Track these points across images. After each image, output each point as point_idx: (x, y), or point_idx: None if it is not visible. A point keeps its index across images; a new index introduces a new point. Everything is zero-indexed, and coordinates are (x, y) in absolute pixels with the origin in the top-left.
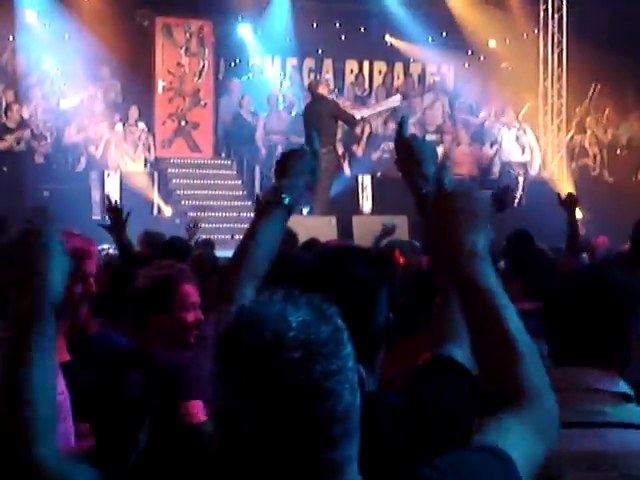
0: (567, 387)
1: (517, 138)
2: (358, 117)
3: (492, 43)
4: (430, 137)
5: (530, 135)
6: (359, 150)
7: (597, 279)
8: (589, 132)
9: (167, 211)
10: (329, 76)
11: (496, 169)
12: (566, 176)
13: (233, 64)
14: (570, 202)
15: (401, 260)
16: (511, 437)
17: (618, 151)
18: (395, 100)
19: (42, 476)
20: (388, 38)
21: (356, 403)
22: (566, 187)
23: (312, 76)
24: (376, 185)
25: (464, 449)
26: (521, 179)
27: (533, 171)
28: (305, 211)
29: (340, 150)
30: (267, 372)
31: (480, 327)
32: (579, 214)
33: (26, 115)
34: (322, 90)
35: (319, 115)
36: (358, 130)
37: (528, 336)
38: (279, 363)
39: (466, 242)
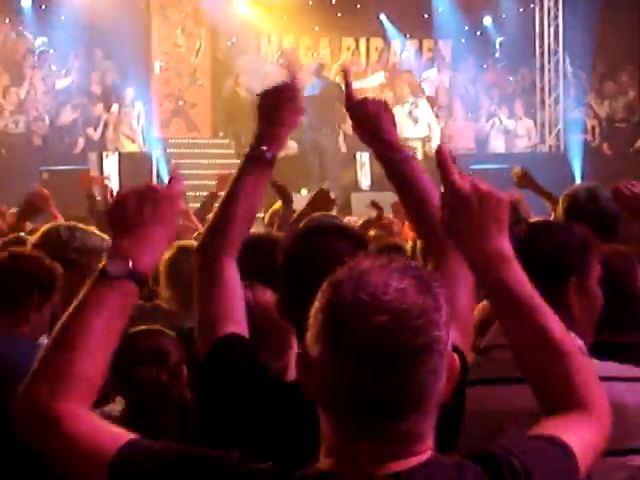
0: None
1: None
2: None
3: (488, 20)
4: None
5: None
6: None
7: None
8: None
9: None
10: (325, 53)
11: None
12: (563, 150)
13: (230, 43)
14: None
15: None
16: (569, 429)
17: (616, 124)
18: (378, 77)
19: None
20: (383, 17)
21: (435, 388)
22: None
23: (309, 54)
24: (374, 162)
25: (521, 437)
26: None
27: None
28: (304, 192)
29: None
30: (356, 329)
31: (522, 332)
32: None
33: (23, 97)
34: (326, 73)
35: (322, 97)
36: None
37: (570, 334)
38: (368, 324)
39: (501, 247)
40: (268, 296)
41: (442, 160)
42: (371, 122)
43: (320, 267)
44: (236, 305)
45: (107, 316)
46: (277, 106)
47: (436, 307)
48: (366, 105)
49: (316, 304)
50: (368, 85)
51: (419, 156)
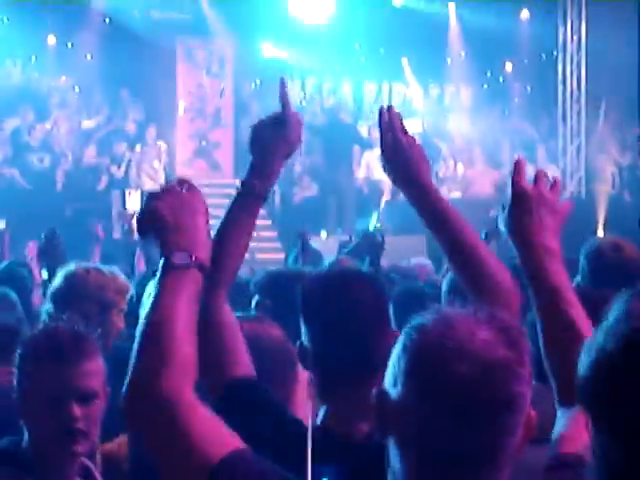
0: None
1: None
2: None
3: (509, 66)
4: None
5: None
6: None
7: None
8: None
9: None
10: (345, 94)
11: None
12: (584, 197)
13: (254, 85)
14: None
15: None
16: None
17: (637, 172)
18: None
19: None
20: (405, 62)
21: (510, 443)
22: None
23: (332, 97)
24: (392, 204)
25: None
26: None
27: None
28: (324, 235)
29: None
30: (440, 378)
31: (553, 317)
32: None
33: (49, 135)
34: (343, 116)
35: (341, 138)
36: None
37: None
38: (452, 373)
39: (550, 243)
40: (275, 331)
41: (517, 166)
42: (406, 165)
43: (341, 311)
44: (238, 345)
45: (186, 301)
46: (269, 137)
47: (521, 362)
48: (402, 148)
49: (399, 346)
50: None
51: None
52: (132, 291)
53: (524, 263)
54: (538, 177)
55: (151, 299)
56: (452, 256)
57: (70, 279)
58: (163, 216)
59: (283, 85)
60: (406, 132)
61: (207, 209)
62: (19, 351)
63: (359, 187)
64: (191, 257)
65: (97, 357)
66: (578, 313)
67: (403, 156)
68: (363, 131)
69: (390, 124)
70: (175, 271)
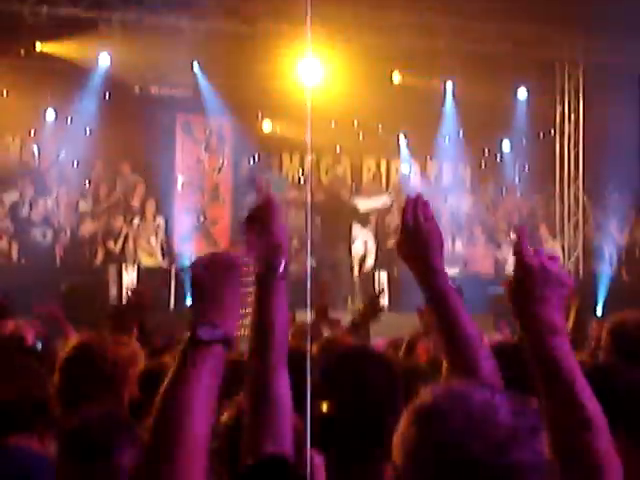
0: None
1: None
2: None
3: (507, 145)
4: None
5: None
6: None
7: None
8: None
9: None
10: (342, 171)
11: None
12: (582, 275)
13: (252, 161)
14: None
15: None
16: None
17: (636, 251)
18: (382, 199)
19: None
20: (402, 140)
21: None
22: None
23: (330, 173)
24: (393, 282)
25: None
26: None
27: None
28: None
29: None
30: (459, 455)
31: (559, 399)
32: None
33: (49, 209)
34: (342, 192)
35: (337, 215)
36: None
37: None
38: (472, 452)
39: (554, 319)
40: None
41: (520, 238)
42: (421, 250)
43: (354, 394)
44: (282, 421)
45: (205, 377)
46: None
47: (538, 450)
48: (421, 235)
49: (412, 424)
50: (371, 206)
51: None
52: None
53: (527, 341)
54: (538, 251)
55: (171, 370)
56: (443, 334)
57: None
58: (198, 284)
59: (256, 172)
60: (429, 218)
61: (249, 282)
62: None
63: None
64: (218, 331)
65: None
66: (586, 395)
67: (420, 242)
68: (361, 207)
69: (415, 212)
70: (198, 345)
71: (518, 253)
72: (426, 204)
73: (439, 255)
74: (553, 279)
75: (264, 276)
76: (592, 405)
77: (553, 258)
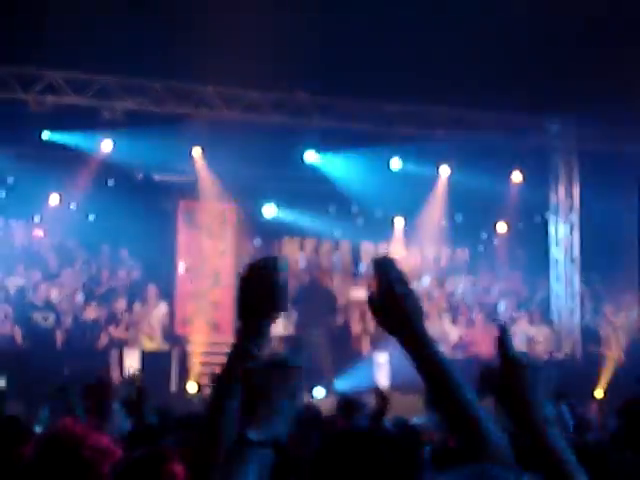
0: None
1: None
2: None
3: (503, 228)
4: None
5: None
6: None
7: None
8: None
9: (188, 388)
10: (347, 257)
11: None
12: (579, 358)
13: (254, 245)
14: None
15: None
16: None
17: (632, 334)
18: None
19: None
20: (399, 226)
21: None
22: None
23: (331, 256)
24: (393, 362)
25: None
26: None
27: None
28: (322, 395)
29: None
30: None
31: None
32: (599, 394)
33: (53, 294)
34: (327, 281)
35: (318, 299)
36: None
37: None
38: None
39: (545, 411)
40: None
41: (501, 336)
42: (398, 317)
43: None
44: None
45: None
46: (256, 298)
47: None
48: (394, 300)
49: None
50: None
51: None
52: None
53: (527, 434)
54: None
55: (221, 466)
56: (443, 408)
57: None
58: (251, 389)
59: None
60: (401, 282)
61: (299, 388)
62: None
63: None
64: (268, 434)
65: None
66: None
67: (394, 308)
68: (353, 293)
69: (383, 272)
70: (247, 445)
71: (505, 352)
72: (393, 263)
73: (419, 321)
74: (541, 375)
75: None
76: None
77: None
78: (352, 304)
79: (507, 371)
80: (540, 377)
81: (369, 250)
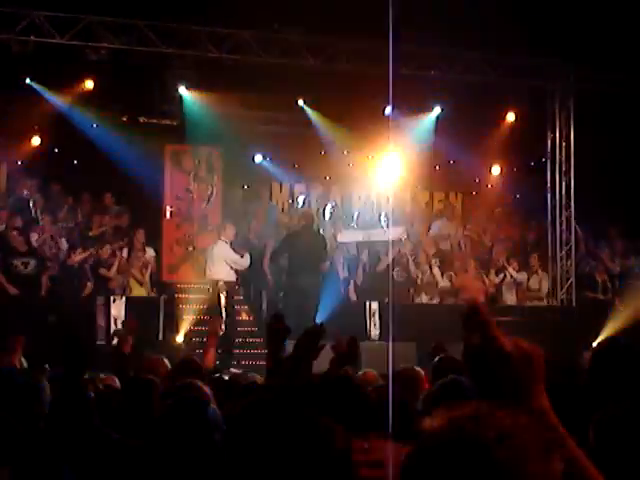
0: None
1: None
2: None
3: (498, 171)
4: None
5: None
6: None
7: None
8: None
9: (175, 337)
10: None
11: (506, 296)
12: (575, 304)
13: (241, 190)
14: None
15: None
16: None
17: (629, 280)
18: (398, 231)
19: None
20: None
21: None
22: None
23: (320, 202)
24: (384, 311)
25: None
26: None
27: None
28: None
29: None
30: None
31: None
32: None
33: (34, 240)
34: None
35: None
36: (364, 256)
37: None
38: None
39: (542, 404)
40: None
41: (481, 318)
42: (507, 384)
43: None
44: None
45: None
46: None
47: None
48: (501, 357)
49: None
50: (385, 237)
51: None
52: None
53: None
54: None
55: None
56: None
57: None
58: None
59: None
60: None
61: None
62: None
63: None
64: None
65: None
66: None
67: (503, 369)
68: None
69: (478, 322)
70: None
71: (489, 337)
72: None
73: (540, 392)
74: (532, 361)
75: None
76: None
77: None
78: (339, 249)
79: (492, 359)
80: (534, 365)
81: (361, 195)
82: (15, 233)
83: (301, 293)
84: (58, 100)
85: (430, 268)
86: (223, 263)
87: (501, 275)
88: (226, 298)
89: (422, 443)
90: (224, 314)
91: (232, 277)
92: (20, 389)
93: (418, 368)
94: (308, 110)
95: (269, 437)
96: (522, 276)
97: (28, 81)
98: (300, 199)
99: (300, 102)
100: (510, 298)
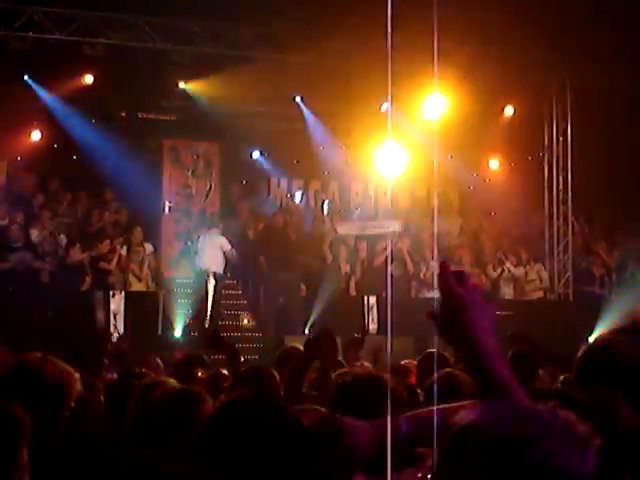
0: None
1: None
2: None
3: (495, 165)
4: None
5: None
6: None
7: None
8: (595, 255)
9: (173, 330)
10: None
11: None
12: (572, 298)
13: (240, 186)
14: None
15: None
16: None
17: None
18: (395, 225)
19: None
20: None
21: None
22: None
23: (318, 197)
24: (382, 305)
25: None
26: None
27: None
28: (307, 330)
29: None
30: None
31: None
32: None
33: (34, 235)
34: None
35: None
36: (362, 250)
37: None
38: None
39: (489, 341)
40: None
41: (444, 271)
42: (460, 323)
43: None
44: None
45: None
46: None
47: None
48: (457, 304)
49: None
50: (382, 231)
51: None
52: None
53: (468, 364)
54: (464, 278)
55: None
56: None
57: None
58: None
59: None
60: (464, 282)
61: None
62: None
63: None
64: None
65: None
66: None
67: (458, 313)
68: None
69: (444, 279)
70: None
71: (441, 283)
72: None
73: (489, 334)
74: (476, 306)
75: None
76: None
77: (474, 284)
78: (339, 242)
79: (445, 302)
80: (477, 310)
81: (359, 190)
82: (15, 228)
83: (280, 289)
84: (54, 97)
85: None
86: (215, 252)
87: (499, 269)
88: (214, 287)
89: (458, 437)
90: (210, 303)
91: (221, 268)
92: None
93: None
94: (303, 106)
95: (243, 433)
96: (520, 271)
97: (26, 78)
98: (298, 194)
99: (297, 98)
100: (508, 292)
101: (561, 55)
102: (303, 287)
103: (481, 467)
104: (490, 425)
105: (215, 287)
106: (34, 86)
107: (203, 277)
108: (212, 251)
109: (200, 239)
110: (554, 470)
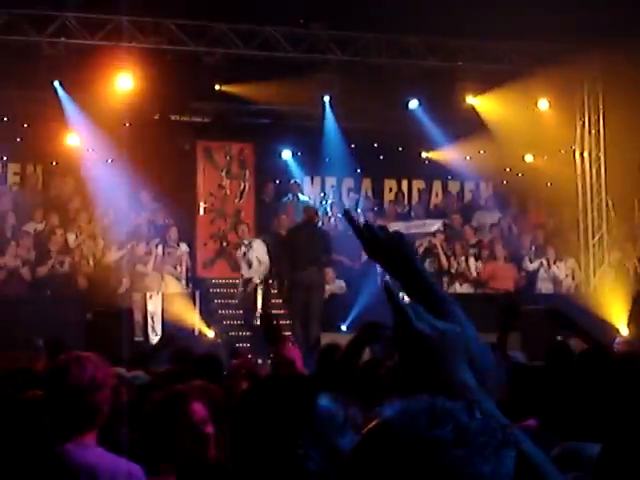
0: None
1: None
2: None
3: (529, 159)
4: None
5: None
6: None
7: None
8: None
9: (208, 331)
10: (369, 195)
11: (540, 285)
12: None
13: (273, 185)
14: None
15: None
16: None
17: None
18: (436, 224)
19: None
20: (425, 154)
21: None
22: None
23: (351, 195)
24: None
25: None
26: None
27: None
28: (344, 327)
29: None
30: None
31: None
32: (625, 332)
33: (71, 239)
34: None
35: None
36: None
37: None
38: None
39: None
40: None
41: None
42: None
43: None
44: None
45: None
46: None
47: None
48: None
49: None
50: (425, 230)
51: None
52: None
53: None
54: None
55: None
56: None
57: None
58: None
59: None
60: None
61: None
62: None
63: None
64: None
65: None
66: None
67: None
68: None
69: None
70: None
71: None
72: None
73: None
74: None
75: None
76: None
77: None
78: None
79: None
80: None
81: (392, 186)
82: (52, 232)
83: (305, 287)
84: (88, 101)
85: (466, 258)
86: (256, 261)
87: (537, 262)
88: (263, 294)
89: (372, 436)
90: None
91: (264, 273)
92: None
93: None
94: (328, 105)
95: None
96: (555, 266)
97: (57, 84)
98: (331, 193)
99: (326, 98)
100: (545, 287)
101: (593, 47)
102: (341, 284)
103: (392, 469)
104: (404, 425)
105: (262, 290)
106: (66, 91)
107: (250, 285)
108: (257, 257)
109: (244, 244)
110: (466, 477)
